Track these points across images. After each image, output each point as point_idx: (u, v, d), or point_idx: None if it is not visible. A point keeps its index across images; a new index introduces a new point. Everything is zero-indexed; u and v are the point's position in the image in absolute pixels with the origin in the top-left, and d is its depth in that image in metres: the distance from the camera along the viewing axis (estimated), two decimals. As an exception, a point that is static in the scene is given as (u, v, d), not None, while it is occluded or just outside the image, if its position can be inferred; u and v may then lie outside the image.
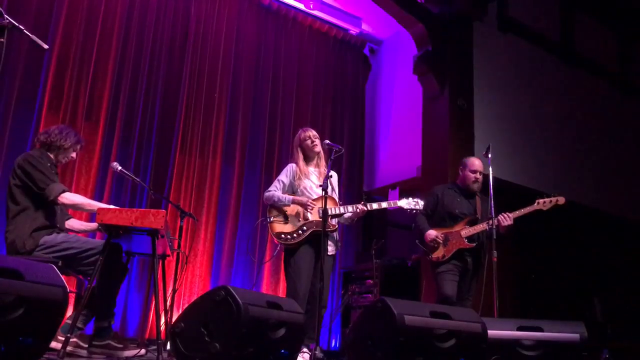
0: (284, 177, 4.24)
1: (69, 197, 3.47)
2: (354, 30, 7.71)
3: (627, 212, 7.74)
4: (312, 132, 4.30)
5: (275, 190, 4.17)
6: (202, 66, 6.41)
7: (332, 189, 4.19)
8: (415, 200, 4.24)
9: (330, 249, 4.12)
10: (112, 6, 5.93)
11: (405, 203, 4.21)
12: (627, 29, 8.62)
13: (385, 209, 4.39)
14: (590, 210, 7.23)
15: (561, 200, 4.44)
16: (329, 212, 3.92)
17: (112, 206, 3.38)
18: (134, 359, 3.46)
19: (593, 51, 8.12)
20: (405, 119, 7.30)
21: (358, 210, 4.09)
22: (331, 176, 4.07)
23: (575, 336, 3.29)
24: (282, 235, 4.04)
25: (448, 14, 6.52)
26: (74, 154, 3.78)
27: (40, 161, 3.53)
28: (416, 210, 4.23)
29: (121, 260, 3.58)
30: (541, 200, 4.43)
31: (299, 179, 4.20)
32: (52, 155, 3.67)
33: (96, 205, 3.46)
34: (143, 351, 3.60)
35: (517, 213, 4.42)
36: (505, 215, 4.38)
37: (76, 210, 3.61)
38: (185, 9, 6.43)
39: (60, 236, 3.51)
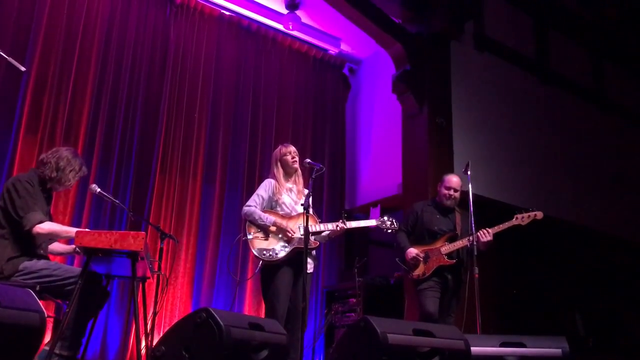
0: (263, 191, 4.22)
1: (45, 227, 3.37)
2: (333, 50, 7.77)
3: (605, 227, 7.82)
4: (292, 149, 4.34)
5: (256, 206, 4.13)
6: (181, 86, 6.39)
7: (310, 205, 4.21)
8: (390, 220, 4.31)
9: (310, 267, 4.10)
10: (91, 27, 5.92)
11: (379, 222, 4.30)
12: (600, 46, 8.80)
13: (367, 226, 4.41)
14: (570, 224, 7.29)
15: (539, 215, 4.48)
16: (310, 230, 3.92)
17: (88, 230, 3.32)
18: None
19: (568, 68, 8.26)
20: (385, 137, 7.34)
21: (338, 228, 4.09)
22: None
23: (557, 351, 3.30)
24: (265, 252, 4.00)
25: (426, 34, 6.60)
26: (68, 184, 3.68)
27: (26, 186, 3.44)
28: (386, 231, 4.28)
29: (98, 291, 3.48)
30: (519, 216, 4.48)
31: (278, 193, 4.20)
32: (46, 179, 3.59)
33: (72, 230, 3.42)
34: None
35: (496, 229, 4.46)
36: (485, 231, 4.42)
37: (53, 238, 3.54)
38: (164, 29, 6.43)
39: (41, 262, 3.41)
